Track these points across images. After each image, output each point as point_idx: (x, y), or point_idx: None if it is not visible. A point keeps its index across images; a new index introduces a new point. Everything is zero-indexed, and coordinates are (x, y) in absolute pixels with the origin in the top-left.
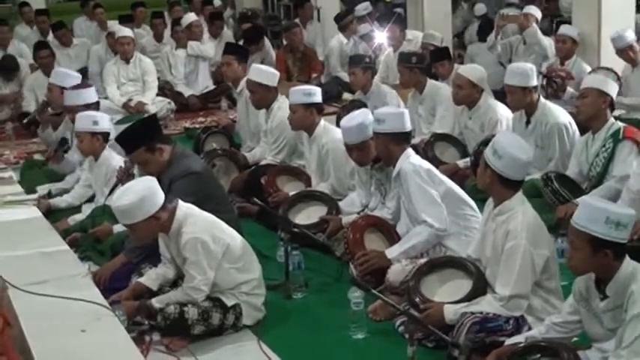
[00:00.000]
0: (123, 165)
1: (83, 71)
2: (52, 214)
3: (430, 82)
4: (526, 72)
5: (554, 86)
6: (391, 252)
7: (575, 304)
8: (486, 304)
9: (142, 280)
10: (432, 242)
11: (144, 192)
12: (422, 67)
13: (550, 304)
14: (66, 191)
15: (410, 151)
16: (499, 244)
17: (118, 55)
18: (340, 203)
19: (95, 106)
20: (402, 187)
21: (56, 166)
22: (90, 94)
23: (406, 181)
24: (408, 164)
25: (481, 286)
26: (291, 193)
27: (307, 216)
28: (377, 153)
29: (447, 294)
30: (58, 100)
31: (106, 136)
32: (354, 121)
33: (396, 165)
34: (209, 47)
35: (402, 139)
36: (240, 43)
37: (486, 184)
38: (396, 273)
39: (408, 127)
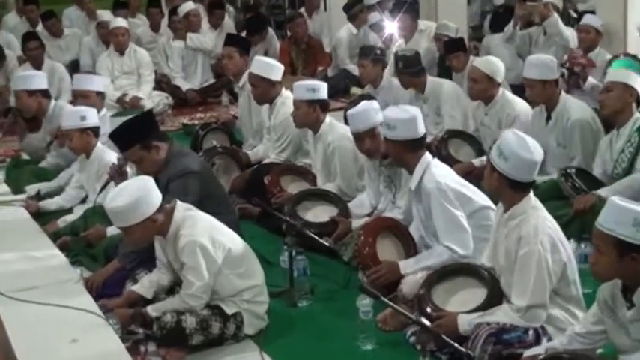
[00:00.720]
0: (115, 162)
1: (75, 64)
2: (42, 216)
3: (431, 79)
4: (546, 64)
5: (573, 77)
6: (405, 267)
7: (599, 313)
8: (502, 314)
9: (135, 288)
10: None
11: (140, 193)
12: (411, 71)
13: (570, 314)
14: (58, 191)
15: (428, 157)
16: (512, 251)
17: (112, 47)
18: (349, 205)
19: (102, 95)
20: (420, 202)
21: (59, 152)
22: (99, 81)
23: (428, 198)
24: (433, 181)
25: (496, 295)
26: (298, 191)
27: (314, 215)
28: (390, 157)
29: (459, 303)
30: (27, 105)
31: (96, 130)
32: (359, 107)
33: (414, 173)
34: (209, 39)
35: (416, 145)
36: (243, 33)
37: (494, 188)
38: (411, 284)
39: (421, 132)
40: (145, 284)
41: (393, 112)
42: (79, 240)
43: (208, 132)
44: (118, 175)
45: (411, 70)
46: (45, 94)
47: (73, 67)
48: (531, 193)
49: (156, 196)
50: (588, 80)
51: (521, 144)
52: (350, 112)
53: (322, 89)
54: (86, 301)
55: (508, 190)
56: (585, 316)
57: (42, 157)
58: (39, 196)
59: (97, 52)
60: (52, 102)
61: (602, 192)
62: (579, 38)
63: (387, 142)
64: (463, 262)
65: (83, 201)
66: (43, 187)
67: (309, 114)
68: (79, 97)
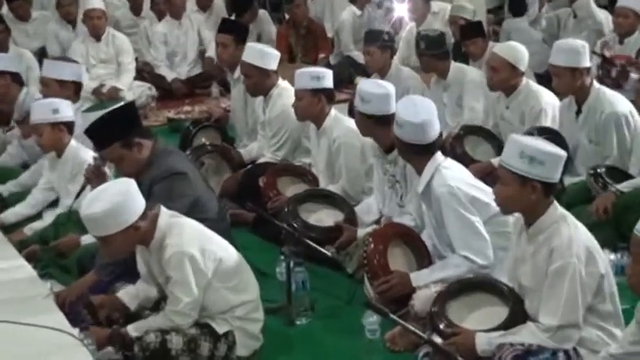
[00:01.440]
0: (92, 162)
1: (43, 51)
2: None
3: (454, 65)
4: (576, 50)
5: (612, 73)
6: (418, 278)
7: (638, 331)
8: (528, 334)
9: (120, 294)
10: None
11: (120, 197)
12: (435, 53)
13: (607, 333)
14: (22, 195)
15: (438, 157)
16: (542, 267)
17: (86, 32)
18: (355, 209)
19: (76, 87)
20: (430, 207)
21: (23, 144)
22: (72, 70)
23: (439, 203)
24: (443, 184)
25: (519, 314)
26: (298, 192)
27: (317, 219)
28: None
29: (477, 321)
30: None
31: (70, 126)
32: (377, 88)
33: (422, 174)
34: None
35: (424, 150)
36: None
37: (532, 202)
38: (424, 300)
39: (431, 137)
40: (130, 292)
41: (405, 109)
42: (49, 250)
43: (199, 130)
44: (95, 177)
45: (434, 51)
46: (15, 78)
47: (42, 55)
48: (555, 201)
49: (139, 201)
50: (630, 78)
51: (546, 143)
52: (365, 87)
53: (328, 77)
54: (57, 319)
55: (543, 199)
56: (623, 336)
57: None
58: (2, 200)
59: (64, 37)
60: (24, 90)
61: (622, 186)
62: (615, 22)
63: (395, 137)
64: (481, 276)
65: (54, 204)
66: (4, 189)
67: (314, 105)
68: (44, 87)
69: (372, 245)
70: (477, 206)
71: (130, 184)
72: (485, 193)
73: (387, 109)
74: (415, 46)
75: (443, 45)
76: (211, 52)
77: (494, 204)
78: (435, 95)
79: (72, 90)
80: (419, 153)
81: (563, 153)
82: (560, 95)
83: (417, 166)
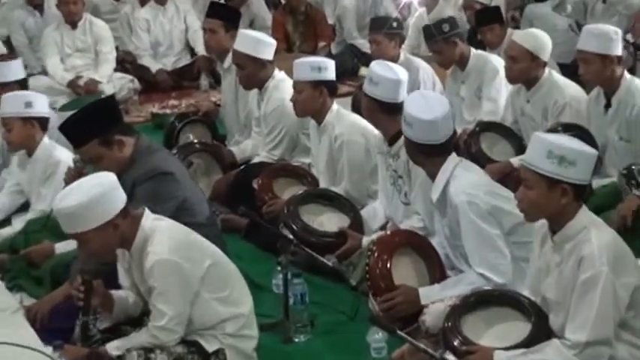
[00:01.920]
0: (72, 165)
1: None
2: None
3: (475, 53)
4: (608, 35)
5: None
6: (427, 295)
7: None
8: (553, 352)
9: (114, 291)
10: None
11: (98, 189)
12: (460, 31)
13: None
14: None
15: (453, 159)
16: (569, 278)
17: (61, 18)
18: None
19: (17, 86)
20: (444, 216)
21: None
22: (9, 69)
23: (456, 213)
24: (462, 192)
25: (542, 330)
26: (300, 192)
27: (319, 223)
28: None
29: (495, 338)
30: None
31: (43, 122)
32: (388, 72)
33: (435, 179)
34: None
35: (436, 151)
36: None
37: (561, 207)
38: (436, 314)
39: (444, 136)
40: (120, 294)
41: (414, 105)
42: (19, 259)
43: (186, 125)
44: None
45: (458, 30)
46: None
47: (11, 45)
48: (584, 205)
49: (119, 196)
50: None
51: (575, 141)
52: (373, 66)
53: (330, 68)
54: (28, 335)
55: (572, 202)
56: None
57: None
58: None
59: (30, 24)
60: None
61: None
62: None
63: (404, 138)
64: (499, 289)
65: (24, 208)
66: None
67: (314, 99)
68: None
69: (375, 255)
70: (500, 216)
71: (109, 177)
72: (507, 200)
73: (394, 97)
74: (435, 35)
75: (463, 24)
76: (201, 47)
77: (517, 211)
78: (452, 88)
79: (18, 90)
80: (431, 154)
81: (594, 151)
82: (587, 87)
83: (429, 170)
